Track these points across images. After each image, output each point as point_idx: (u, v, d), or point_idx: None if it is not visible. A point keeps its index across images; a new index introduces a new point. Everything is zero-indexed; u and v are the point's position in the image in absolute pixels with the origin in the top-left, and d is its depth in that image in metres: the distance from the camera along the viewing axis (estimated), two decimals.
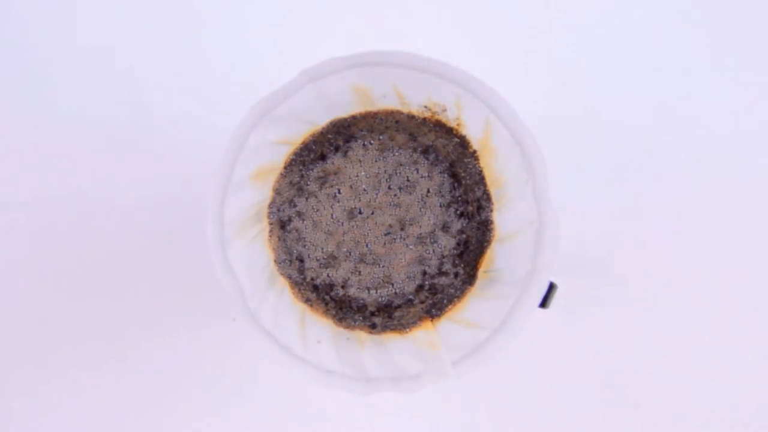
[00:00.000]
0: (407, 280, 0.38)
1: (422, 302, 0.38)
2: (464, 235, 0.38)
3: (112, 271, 0.49)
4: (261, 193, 0.37)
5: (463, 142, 0.36)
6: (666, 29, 0.51)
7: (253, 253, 0.36)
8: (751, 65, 0.51)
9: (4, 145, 0.49)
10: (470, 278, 0.37)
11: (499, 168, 0.35)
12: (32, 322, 0.49)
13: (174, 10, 0.48)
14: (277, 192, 0.37)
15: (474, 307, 0.36)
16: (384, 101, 0.36)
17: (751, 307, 0.49)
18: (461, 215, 0.38)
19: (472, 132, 0.35)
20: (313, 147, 0.37)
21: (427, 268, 0.38)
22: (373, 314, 0.38)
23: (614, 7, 0.51)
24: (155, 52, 0.48)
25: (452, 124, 0.36)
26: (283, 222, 0.38)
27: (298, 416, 0.49)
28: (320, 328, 0.37)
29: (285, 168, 0.37)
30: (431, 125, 0.37)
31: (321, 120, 0.36)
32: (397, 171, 0.38)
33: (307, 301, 0.38)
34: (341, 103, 0.35)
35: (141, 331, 0.49)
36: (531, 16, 0.51)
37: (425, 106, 0.36)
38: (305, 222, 0.38)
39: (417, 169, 0.38)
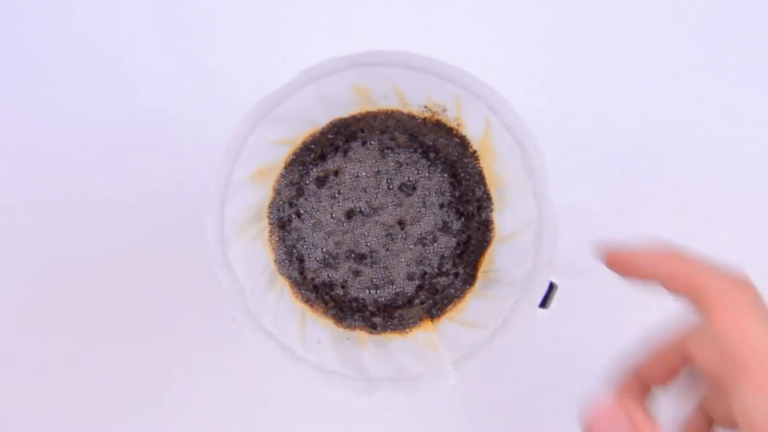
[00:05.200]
0: (407, 280, 0.38)
1: (422, 302, 0.38)
2: (464, 235, 0.38)
3: (111, 270, 0.49)
4: (261, 193, 0.37)
5: (463, 142, 0.36)
6: (666, 29, 0.51)
7: (253, 252, 0.36)
8: (751, 65, 0.51)
9: (4, 145, 0.49)
10: (470, 278, 0.37)
11: (499, 168, 0.35)
12: (31, 323, 0.49)
13: (174, 11, 0.48)
14: (278, 192, 0.37)
15: (474, 307, 0.36)
16: (384, 101, 0.36)
17: None
18: (461, 215, 0.38)
19: (472, 132, 0.35)
20: (313, 147, 0.37)
21: (427, 268, 0.38)
22: (373, 314, 0.38)
23: (614, 8, 0.51)
24: (155, 53, 0.48)
25: (452, 124, 0.36)
26: (283, 222, 0.38)
27: (298, 416, 0.49)
28: (320, 328, 0.36)
29: (285, 168, 0.37)
30: (431, 125, 0.36)
31: (321, 120, 0.36)
32: (398, 171, 0.38)
33: (307, 301, 0.38)
34: (341, 103, 0.35)
35: (140, 331, 0.49)
36: (531, 16, 0.51)
37: (425, 106, 0.36)
38: (305, 222, 0.38)
39: (417, 169, 0.38)
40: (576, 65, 0.52)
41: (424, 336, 0.36)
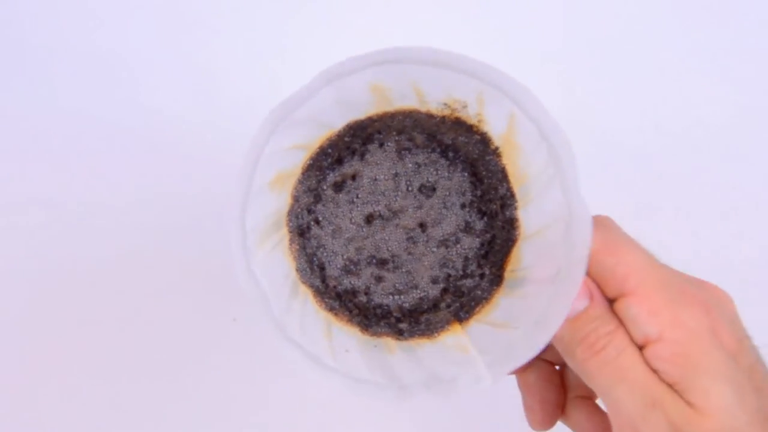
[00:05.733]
0: (431, 283, 0.37)
1: (449, 306, 0.37)
2: (488, 235, 0.37)
3: (110, 270, 0.49)
4: (279, 201, 0.35)
5: (484, 139, 0.35)
6: (665, 30, 0.51)
7: (274, 262, 0.35)
8: (751, 68, 0.51)
9: (10, 146, 0.48)
10: (497, 278, 0.36)
11: (524, 164, 0.34)
12: (33, 322, 0.49)
13: (180, 12, 0.48)
14: (296, 199, 0.36)
15: (504, 308, 0.35)
16: (402, 101, 0.35)
17: (753, 307, 0.49)
18: (484, 214, 0.37)
19: (495, 128, 0.35)
20: (330, 151, 0.36)
21: (451, 271, 0.37)
22: (398, 320, 0.37)
23: (613, 8, 0.51)
24: (160, 54, 0.48)
25: (473, 120, 0.35)
26: (302, 229, 0.37)
27: (299, 416, 0.49)
28: (346, 336, 0.35)
29: (302, 174, 0.36)
30: (450, 123, 0.36)
31: (337, 123, 0.35)
32: (416, 172, 0.37)
33: (331, 309, 0.36)
34: (358, 104, 0.34)
35: (142, 332, 0.49)
36: (531, 18, 0.51)
37: (445, 104, 0.35)
38: (324, 229, 0.37)
39: (436, 170, 0.37)
40: (574, 66, 0.52)
41: (454, 340, 0.35)
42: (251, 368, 0.49)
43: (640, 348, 0.30)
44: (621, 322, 0.31)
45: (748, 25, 0.51)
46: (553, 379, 0.38)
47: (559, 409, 0.38)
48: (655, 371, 0.30)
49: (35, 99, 0.48)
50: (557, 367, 0.39)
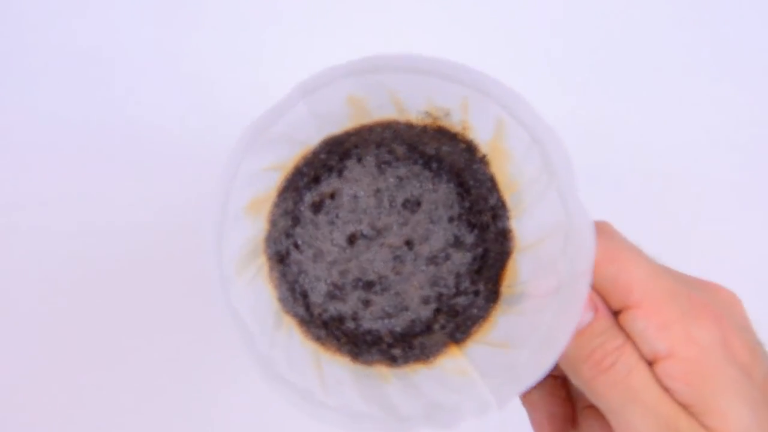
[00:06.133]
0: (423, 304, 0.35)
1: (443, 327, 0.35)
2: (480, 249, 0.35)
3: (116, 272, 0.49)
4: (255, 226, 0.33)
5: (470, 147, 0.33)
6: (666, 32, 0.51)
7: (255, 292, 0.32)
8: (753, 68, 0.52)
9: (3, 148, 0.48)
10: (493, 295, 0.34)
11: (514, 171, 0.32)
12: (31, 323, 0.49)
13: (172, 22, 0.48)
14: (272, 223, 0.34)
15: (502, 326, 0.33)
16: (380, 112, 0.32)
17: (757, 308, 0.49)
18: (474, 227, 0.35)
19: (481, 135, 0.32)
20: (305, 170, 0.34)
21: (443, 289, 0.35)
22: (391, 346, 0.34)
23: (612, 10, 0.51)
24: (150, 62, 0.48)
25: (457, 128, 0.33)
26: (281, 255, 0.34)
27: (300, 414, 0.48)
28: (337, 367, 0.33)
29: (278, 196, 0.33)
30: (432, 132, 0.33)
31: (313, 139, 0.33)
32: (399, 187, 0.35)
33: (318, 339, 0.34)
34: (335, 117, 0.32)
35: (141, 332, 0.49)
36: (531, 21, 0.51)
37: (426, 112, 0.32)
38: (305, 253, 0.34)
39: (420, 183, 0.35)
40: (569, 67, 0.51)
41: (452, 363, 0.33)
42: (246, 371, 0.49)
43: (649, 364, 0.29)
44: (627, 336, 0.29)
45: (749, 26, 0.51)
46: (559, 392, 0.36)
47: (569, 423, 0.36)
48: (666, 390, 0.28)
49: (31, 102, 0.48)
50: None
